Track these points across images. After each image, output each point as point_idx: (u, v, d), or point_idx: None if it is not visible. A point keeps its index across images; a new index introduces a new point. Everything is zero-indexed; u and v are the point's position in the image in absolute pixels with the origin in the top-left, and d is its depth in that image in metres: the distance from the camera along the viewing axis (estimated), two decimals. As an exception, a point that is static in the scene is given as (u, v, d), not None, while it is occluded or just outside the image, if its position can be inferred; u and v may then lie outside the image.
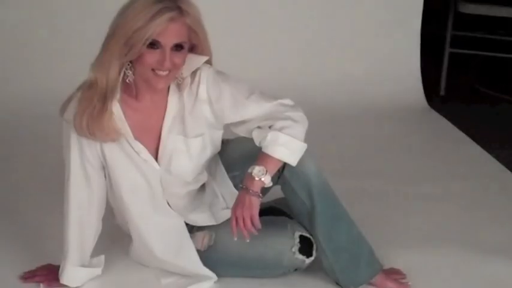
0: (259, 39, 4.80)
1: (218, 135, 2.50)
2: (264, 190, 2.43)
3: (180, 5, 2.24)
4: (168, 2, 2.22)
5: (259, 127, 2.39)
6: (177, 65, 2.29)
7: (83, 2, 4.52)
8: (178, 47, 2.27)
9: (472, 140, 4.11)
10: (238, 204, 2.34)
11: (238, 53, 4.63)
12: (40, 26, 4.54)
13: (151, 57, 2.25)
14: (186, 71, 2.37)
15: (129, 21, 2.21)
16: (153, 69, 2.28)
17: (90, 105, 2.29)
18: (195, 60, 2.36)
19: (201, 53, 2.37)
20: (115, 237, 2.68)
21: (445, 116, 4.53)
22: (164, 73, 2.28)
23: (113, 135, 2.35)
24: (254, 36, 4.79)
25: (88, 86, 2.30)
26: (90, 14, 4.45)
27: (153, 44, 2.24)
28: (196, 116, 2.42)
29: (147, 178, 2.45)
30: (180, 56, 2.28)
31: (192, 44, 2.33)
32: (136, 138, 2.39)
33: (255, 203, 2.32)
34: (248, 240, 2.36)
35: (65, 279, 2.49)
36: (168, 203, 2.51)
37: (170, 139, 2.42)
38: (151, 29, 2.20)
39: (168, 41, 2.24)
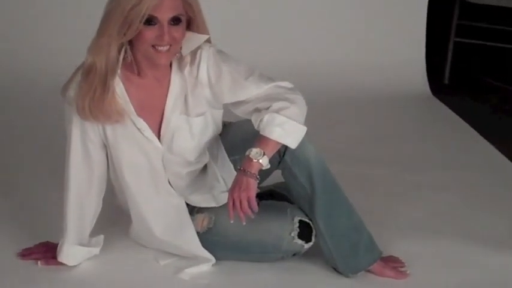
0: (265, 25, 4.82)
1: (218, 114, 2.50)
2: (264, 174, 2.43)
3: None
4: None
5: (257, 109, 2.38)
6: (176, 39, 2.28)
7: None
8: (175, 20, 2.26)
9: (474, 130, 4.10)
10: (235, 186, 2.33)
11: (248, 39, 4.65)
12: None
13: (150, 34, 2.25)
14: (185, 50, 2.36)
15: (124, 1, 2.20)
16: (153, 46, 2.27)
17: (91, 89, 2.29)
18: (194, 39, 2.36)
19: (198, 30, 2.36)
20: (115, 218, 2.68)
21: (448, 105, 4.51)
22: (165, 48, 2.27)
23: (116, 117, 2.35)
24: (259, 23, 4.82)
25: (87, 70, 2.29)
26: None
27: (150, 20, 2.23)
28: (197, 95, 2.41)
29: (149, 157, 2.45)
30: (178, 29, 2.28)
31: (189, 16, 2.32)
32: (139, 115, 2.39)
33: (252, 185, 2.32)
34: (244, 223, 2.35)
35: (62, 257, 2.49)
36: (169, 183, 2.51)
37: (173, 118, 2.41)
38: (146, 4, 2.19)
39: (165, 15, 2.23)
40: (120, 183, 2.50)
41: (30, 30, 4.57)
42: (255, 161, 2.31)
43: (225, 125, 2.58)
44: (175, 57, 2.38)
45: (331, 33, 4.85)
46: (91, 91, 2.29)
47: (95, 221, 2.52)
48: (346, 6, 4.88)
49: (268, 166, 2.34)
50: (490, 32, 5.16)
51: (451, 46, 5.03)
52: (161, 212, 2.51)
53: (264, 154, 2.31)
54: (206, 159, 2.53)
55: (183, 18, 2.29)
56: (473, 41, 5.11)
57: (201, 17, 2.35)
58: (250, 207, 2.33)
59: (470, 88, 5.00)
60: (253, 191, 2.33)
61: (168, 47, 2.27)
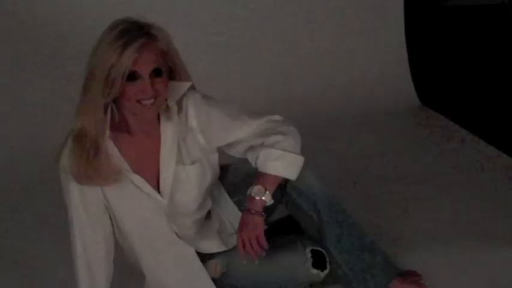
0: (247, 50, 4.86)
1: (214, 158, 2.49)
2: (270, 209, 2.42)
3: (147, 31, 2.23)
4: (135, 32, 2.21)
5: (252, 147, 2.38)
6: (160, 91, 2.26)
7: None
8: (157, 72, 2.25)
9: (470, 133, 4.09)
10: (242, 226, 2.33)
11: (234, 69, 4.69)
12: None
13: (134, 89, 2.23)
14: (171, 100, 2.36)
15: (103, 60, 2.19)
16: (138, 101, 2.25)
17: (84, 153, 2.27)
18: (178, 88, 2.35)
19: (180, 78, 2.35)
20: (130, 277, 2.65)
21: (439, 112, 4.51)
22: (150, 102, 2.26)
23: (114, 177, 2.34)
24: (243, 48, 4.85)
25: (77, 136, 2.28)
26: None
27: (132, 76, 2.21)
28: (189, 143, 2.41)
29: (152, 213, 2.43)
30: (161, 81, 2.26)
31: (169, 66, 2.32)
32: (135, 172, 2.38)
33: (259, 223, 2.31)
34: (257, 262, 2.34)
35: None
36: (176, 234, 2.50)
37: (169, 169, 2.40)
38: (126, 61, 2.18)
39: (145, 68, 2.22)
40: (128, 243, 2.49)
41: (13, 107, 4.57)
42: (257, 198, 2.31)
43: (223, 168, 2.58)
44: (162, 109, 2.38)
45: (308, 56, 4.89)
46: (84, 155, 2.27)
47: (109, 285, 2.49)
48: (325, 27, 4.92)
49: (272, 202, 2.34)
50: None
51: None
52: (173, 264, 2.50)
53: (266, 190, 2.31)
54: (209, 205, 2.53)
55: (164, 69, 2.28)
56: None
57: (181, 64, 2.35)
58: (260, 245, 2.32)
59: (459, 92, 4.99)
60: (261, 228, 2.33)
61: (153, 100, 2.26)
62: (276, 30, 4.86)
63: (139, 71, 2.22)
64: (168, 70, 2.31)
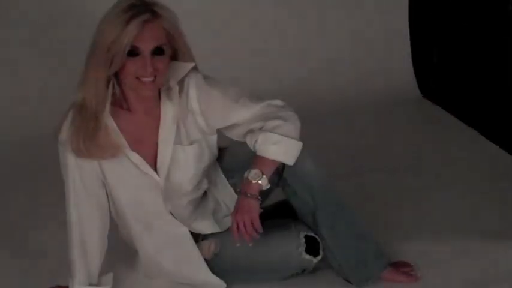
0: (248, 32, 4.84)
1: (213, 140, 2.50)
2: (265, 193, 2.43)
3: (153, 8, 2.24)
4: (141, 7, 2.22)
5: (251, 130, 2.38)
6: (160, 70, 2.27)
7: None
8: (158, 50, 2.25)
9: (468, 127, 4.10)
10: (238, 209, 2.34)
11: (235, 57, 4.68)
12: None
13: (133, 65, 2.24)
14: (173, 80, 2.36)
15: (106, 33, 2.20)
16: (137, 78, 2.26)
17: (83, 125, 2.28)
18: (180, 68, 2.36)
19: (184, 59, 2.36)
20: (123, 253, 2.67)
21: (440, 105, 4.51)
22: (149, 79, 2.26)
23: (111, 151, 2.34)
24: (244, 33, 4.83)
25: (78, 108, 2.29)
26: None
27: (133, 51, 2.22)
28: (189, 124, 2.41)
29: (148, 191, 2.44)
30: (161, 60, 2.27)
31: (173, 48, 2.32)
32: (133, 149, 2.39)
33: (254, 207, 2.32)
34: (251, 245, 2.36)
35: (73, 298, 2.48)
36: (171, 213, 2.51)
37: (167, 149, 2.41)
38: (128, 35, 2.19)
39: (146, 44, 2.23)
40: (122, 220, 2.50)
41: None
42: (254, 182, 2.31)
43: (221, 150, 2.58)
44: (163, 89, 2.38)
45: (310, 47, 4.88)
46: (84, 127, 2.28)
47: (102, 259, 2.49)
48: (328, 18, 4.91)
49: (268, 186, 2.35)
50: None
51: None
52: (166, 243, 2.51)
53: (262, 174, 2.31)
54: (205, 186, 2.53)
55: (166, 49, 2.28)
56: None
57: (185, 45, 2.35)
58: (254, 228, 2.33)
59: (460, 85, 4.99)
60: (256, 212, 2.34)
61: (152, 77, 2.26)
62: (275, 18, 4.84)
63: (141, 47, 2.23)
64: (172, 50, 2.32)
